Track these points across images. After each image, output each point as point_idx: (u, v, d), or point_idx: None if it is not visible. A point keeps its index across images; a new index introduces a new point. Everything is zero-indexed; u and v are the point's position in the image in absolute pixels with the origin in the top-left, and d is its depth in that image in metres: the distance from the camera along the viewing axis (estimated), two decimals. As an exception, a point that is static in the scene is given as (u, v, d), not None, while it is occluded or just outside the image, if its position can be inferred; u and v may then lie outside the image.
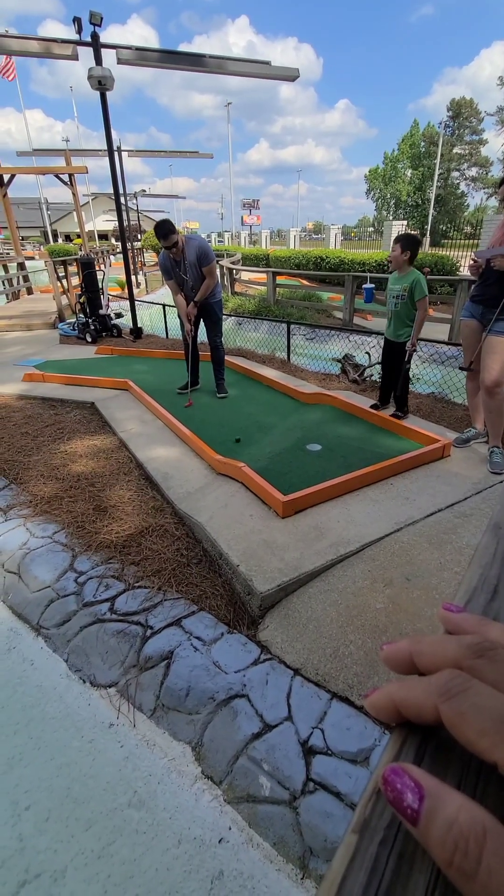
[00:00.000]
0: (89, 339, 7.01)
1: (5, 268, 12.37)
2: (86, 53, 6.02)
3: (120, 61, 6.19)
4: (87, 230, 19.80)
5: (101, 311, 7.35)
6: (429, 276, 4.90)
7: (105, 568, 2.29)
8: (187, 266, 3.83)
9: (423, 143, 37.15)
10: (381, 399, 3.88)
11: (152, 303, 9.25)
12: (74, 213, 16.38)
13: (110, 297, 8.37)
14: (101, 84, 5.92)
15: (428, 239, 22.94)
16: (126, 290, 7.59)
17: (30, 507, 2.81)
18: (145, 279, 16.84)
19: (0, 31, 6.47)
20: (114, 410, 4.09)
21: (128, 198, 19.82)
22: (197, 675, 1.72)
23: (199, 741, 1.57)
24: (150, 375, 5.14)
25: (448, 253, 14.36)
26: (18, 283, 12.30)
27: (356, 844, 0.18)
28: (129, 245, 8.62)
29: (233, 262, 15.23)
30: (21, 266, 12.60)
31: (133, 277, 7.75)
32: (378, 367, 4.44)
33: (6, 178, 12.75)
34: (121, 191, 7.64)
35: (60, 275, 9.27)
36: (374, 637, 1.74)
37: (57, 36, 6.45)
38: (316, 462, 2.98)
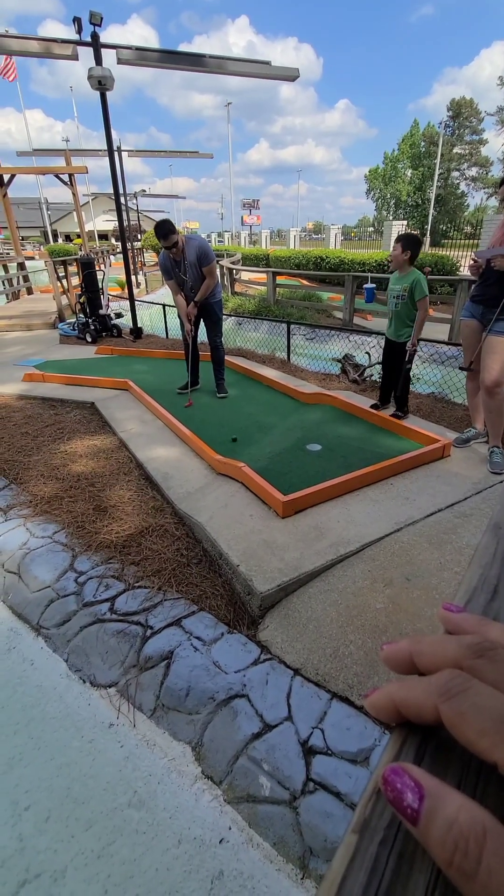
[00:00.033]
0: (89, 339, 7.01)
1: (5, 268, 12.37)
2: (86, 53, 6.02)
3: (120, 61, 6.19)
4: (87, 230, 19.81)
5: (101, 311, 7.35)
6: (429, 276, 4.90)
7: (105, 568, 2.29)
8: (187, 266, 3.83)
9: (423, 143, 37.16)
10: (381, 399, 3.88)
11: (152, 303, 9.25)
12: (74, 213, 16.39)
13: (110, 297, 8.37)
14: (101, 84, 5.92)
15: (428, 239, 22.92)
16: (126, 290, 7.59)
17: (30, 507, 2.81)
18: (145, 279, 16.84)
19: (0, 31, 6.47)
20: (114, 410, 4.09)
21: (128, 198, 19.83)
22: (197, 675, 1.72)
23: (199, 741, 1.57)
24: (150, 375, 5.14)
25: (448, 253, 14.36)
26: (18, 283, 12.30)
27: (356, 844, 0.18)
28: (129, 245, 8.62)
29: (233, 262, 15.23)
30: (21, 266, 12.60)
31: (133, 277, 7.75)
32: (378, 367, 4.44)
33: (6, 178, 12.75)
34: (121, 191, 7.64)
35: (60, 275, 9.27)
36: (374, 637, 1.74)
37: (57, 36, 6.45)
38: (316, 462, 2.98)
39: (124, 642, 1.90)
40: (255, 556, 2.13)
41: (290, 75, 7.25)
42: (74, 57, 6.06)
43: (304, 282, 14.63)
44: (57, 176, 14.48)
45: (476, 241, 14.52)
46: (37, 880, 1.28)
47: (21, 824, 1.41)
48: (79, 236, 19.15)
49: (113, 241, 31.16)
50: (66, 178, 14.33)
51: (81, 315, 7.35)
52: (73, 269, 9.76)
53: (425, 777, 0.18)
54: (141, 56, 6.32)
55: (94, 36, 5.81)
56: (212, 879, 1.26)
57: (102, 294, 7.58)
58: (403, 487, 2.66)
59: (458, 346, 3.73)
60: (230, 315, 8.40)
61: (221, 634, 1.90)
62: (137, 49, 6.30)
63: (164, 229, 3.62)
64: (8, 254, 16.86)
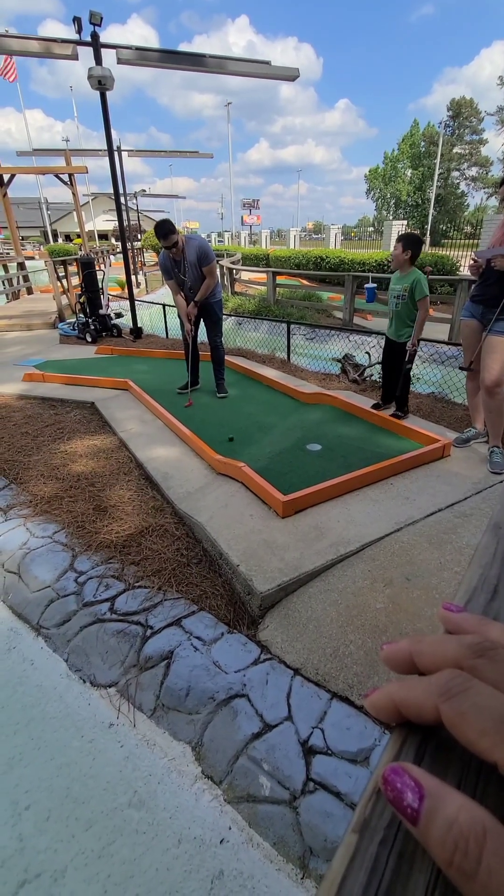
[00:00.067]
0: (89, 339, 7.01)
1: (5, 268, 12.37)
2: (86, 53, 6.02)
3: (120, 61, 6.19)
4: (87, 230, 19.81)
5: (101, 311, 7.35)
6: (429, 276, 4.90)
7: (105, 568, 2.29)
8: (187, 266, 3.83)
9: (423, 143, 37.16)
10: (383, 398, 3.88)
11: (152, 303, 9.25)
12: (74, 213, 16.38)
13: (110, 296, 8.37)
14: (101, 84, 5.92)
15: (428, 239, 22.92)
16: (126, 290, 7.59)
17: (30, 507, 2.81)
18: (145, 279, 16.84)
19: (0, 31, 6.47)
20: (114, 410, 4.09)
21: (128, 198, 19.83)
22: (197, 674, 1.72)
23: (199, 741, 1.57)
24: (150, 375, 5.14)
25: (448, 253, 14.35)
26: (18, 282, 12.30)
27: (356, 844, 0.18)
28: (129, 245, 8.61)
29: (233, 262, 15.23)
30: (21, 266, 12.60)
31: (133, 277, 7.75)
32: (378, 366, 4.44)
33: (6, 178, 12.75)
34: (121, 191, 7.64)
35: (60, 275, 9.27)
36: (374, 637, 1.74)
37: (57, 36, 6.45)
38: (316, 462, 2.98)
39: (124, 642, 1.90)
40: (255, 556, 2.13)
41: (290, 75, 7.25)
42: (74, 57, 6.06)
43: (304, 282, 14.63)
44: (57, 176, 14.48)
45: (476, 241, 14.52)
46: (37, 880, 1.28)
47: (21, 824, 1.41)
48: (79, 236, 19.15)
49: (113, 240, 31.16)
50: (66, 178, 14.34)
51: (81, 315, 7.35)
52: (73, 268, 9.75)
53: (425, 777, 0.18)
54: (141, 56, 6.32)
55: (94, 36, 5.81)
56: (212, 879, 1.26)
57: (102, 294, 7.58)
58: (403, 487, 2.66)
59: (458, 346, 3.73)
60: (230, 315, 8.40)
61: (221, 634, 1.90)
62: (137, 49, 6.30)
63: (164, 229, 3.62)
64: (8, 254, 16.86)
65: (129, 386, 4.53)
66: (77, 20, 5.75)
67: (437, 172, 32.56)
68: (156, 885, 1.25)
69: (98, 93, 6.05)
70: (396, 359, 3.60)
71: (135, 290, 7.70)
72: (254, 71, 7.07)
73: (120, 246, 10.74)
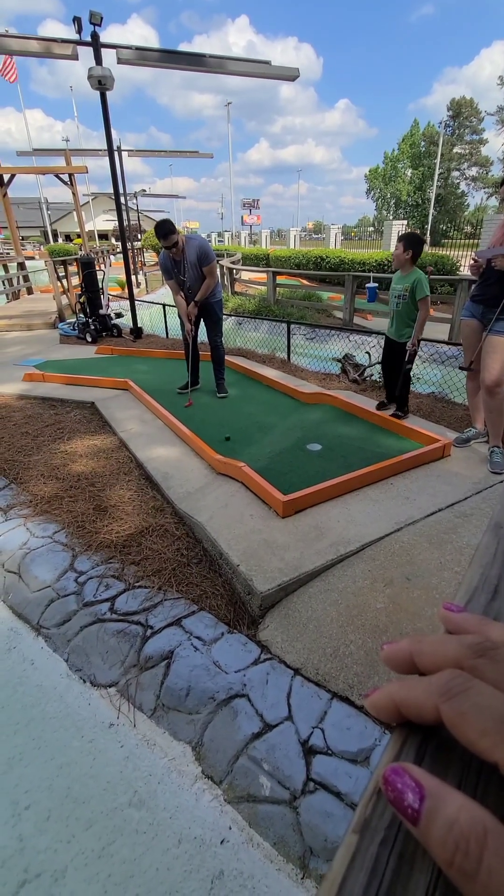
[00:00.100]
0: (89, 339, 7.01)
1: (5, 268, 12.37)
2: (86, 53, 6.02)
3: (120, 61, 6.19)
4: (87, 230, 19.81)
5: (102, 311, 7.35)
6: (430, 276, 4.89)
7: (105, 568, 2.29)
8: (187, 266, 3.83)
9: (423, 143, 37.16)
10: (388, 397, 3.87)
11: (152, 302, 9.25)
12: (74, 212, 16.39)
13: (110, 296, 8.37)
14: (101, 84, 5.92)
15: (428, 239, 22.91)
16: (126, 290, 7.59)
17: (30, 507, 2.81)
18: (145, 279, 16.84)
19: (0, 31, 6.47)
20: (114, 410, 4.10)
21: (128, 198, 19.82)
22: (197, 674, 1.72)
23: (199, 741, 1.57)
24: (150, 375, 5.14)
25: (448, 253, 14.35)
26: (18, 282, 12.30)
27: (357, 844, 0.18)
28: (129, 245, 8.61)
29: (233, 262, 15.23)
30: (21, 266, 12.60)
31: (133, 277, 7.75)
32: (378, 366, 4.44)
33: (6, 177, 12.75)
34: (121, 191, 7.64)
35: (60, 275, 9.27)
36: (374, 637, 1.74)
37: (57, 36, 6.45)
38: (316, 462, 2.98)
39: (124, 642, 1.90)
40: (256, 556, 2.13)
41: (290, 75, 7.25)
42: (74, 57, 6.06)
43: (304, 281, 14.63)
44: (57, 176, 14.48)
45: (476, 241, 14.52)
46: (37, 880, 1.28)
47: (21, 824, 1.41)
48: (79, 236, 19.16)
49: (113, 240, 31.15)
50: (66, 177, 14.34)
51: (81, 315, 7.35)
52: (73, 268, 9.75)
53: (426, 777, 0.18)
54: (141, 56, 6.32)
55: (94, 36, 5.81)
56: (212, 879, 1.26)
57: (102, 294, 7.58)
58: (404, 487, 2.66)
59: (459, 346, 3.73)
60: (230, 315, 8.39)
61: (221, 634, 1.90)
62: (137, 49, 6.29)
63: (165, 229, 3.62)
64: (8, 254, 16.86)
65: (129, 386, 4.53)
66: (77, 20, 5.75)
67: (437, 172, 32.56)
68: (156, 885, 1.25)
69: (98, 93, 6.05)
70: (396, 358, 3.60)
71: (135, 290, 7.70)
72: (254, 71, 7.07)
73: (120, 246, 10.74)
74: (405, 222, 18.51)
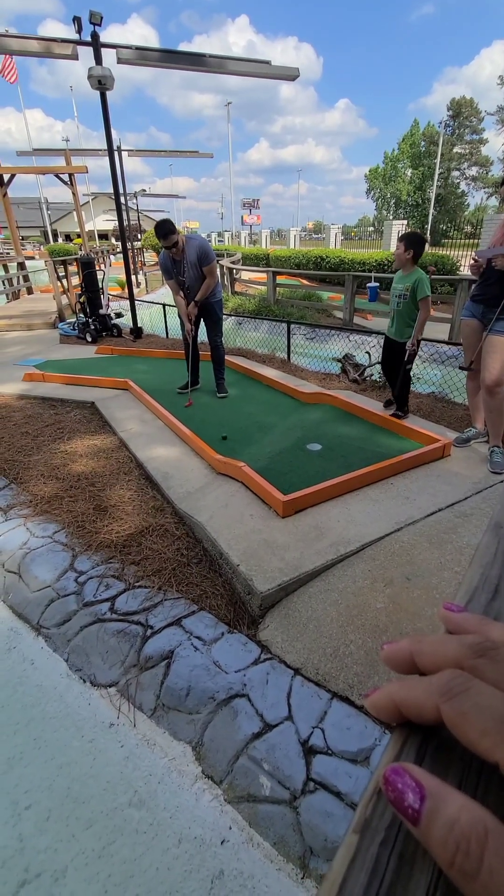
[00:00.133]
0: (89, 339, 7.01)
1: (5, 267, 12.37)
2: (86, 53, 6.02)
3: (120, 61, 6.19)
4: (87, 230, 19.81)
5: (102, 311, 7.35)
6: (431, 276, 4.89)
7: (105, 567, 2.29)
8: (187, 266, 3.83)
9: (423, 143, 37.17)
10: (393, 396, 3.86)
11: (152, 302, 9.25)
12: (74, 212, 16.38)
13: (110, 296, 8.37)
14: (101, 84, 5.92)
15: (428, 238, 22.92)
16: (126, 290, 7.59)
17: (30, 507, 2.81)
18: (145, 279, 16.84)
19: (0, 31, 6.47)
20: (114, 410, 4.10)
21: (128, 197, 19.83)
22: (197, 674, 1.72)
23: (199, 741, 1.57)
24: (150, 375, 5.14)
25: (448, 252, 14.36)
26: (18, 282, 12.30)
27: (357, 845, 0.18)
28: (129, 245, 8.61)
29: (233, 262, 15.23)
30: (21, 266, 12.60)
31: (133, 277, 7.75)
32: (378, 366, 4.43)
33: (6, 177, 12.75)
34: (121, 190, 7.63)
35: (60, 274, 9.27)
36: (374, 637, 1.74)
37: (57, 35, 6.44)
38: (316, 462, 2.98)
39: (124, 642, 1.90)
40: (256, 556, 2.13)
41: (290, 75, 7.25)
42: (74, 56, 6.06)
43: (305, 281, 14.63)
44: (57, 176, 14.48)
45: (476, 241, 14.53)
46: (37, 880, 1.28)
47: (21, 824, 1.41)
48: (79, 236, 19.16)
49: (113, 240, 31.16)
50: (66, 177, 14.34)
51: (81, 315, 7.35)
52: (73, 268, 9.75)
53: (426, 777, 0.18)
54: (141, 55, 6.32)
55: (94, 35, 5.80)
56: (212, 879, 1.26)
57: (102, 294, 7.58)
58: (404, 487, 2.66)
59: (459, 346, 3.72)
60: (230, 315, 8.39)
61: (222, 634, 1.90)
62: (137, 48, 6.29)
63: (165, 229, 3.62)
64: (8, 253, 16.86)
65: (129, 386, 4.53)
66: (77, 20, 5.75)
67: (437, 172, 32.56)
68: (156, 885, 1.25)
69: (98, 92, 6.05)
70: (396, 358, 3.60)
71: (135, 290, 7.70)
72: (254, 71, 7.07)
73: (120, 246, 10.74)
74: (405, 222, 18.53)
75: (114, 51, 6.09)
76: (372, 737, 1.48)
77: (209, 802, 1.42)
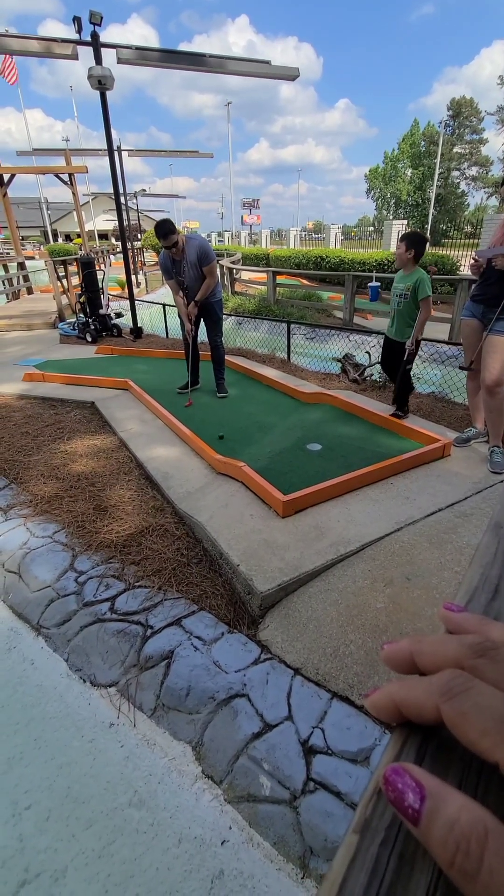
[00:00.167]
0: (89, 339, 7.01)
1: (5, 267, 12.37)
2: (86, 53, 6.02)
3: (120, 61, 6.19)
4: (87, 230, 19.81)
5: (102, 311, 7.35)
6: (433, 276, 4.89)
7: (105, 567, 2.29)
8: (187, 266, 3.83)
9: (423, 143, 37.18)
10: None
11: (152, 302, 9.25)
12: (74, 212, 16.38)
13: (110, 296, 8.36)
14: (101, 84, 5.92)
15: (428, 238, 22.92)
16: (126, 290, 7.59)
17: (30, 507, 2.81)
18: (145, 279, 16.84)
19: (0, 31, 6.47)
20: (114, 410, 4.10)
21: (128, 197, 19.82)
22: (197, 674, 1.72)
23: (199, 741, 1.57)
24: (150, 375, 5.14)
25: (448, 252, 14.36)
26: (18, 282, 12.30)
27: (357, 845, 0.18)
28: (129, 245, 8.61)
29: (233, 262, 15.22)
30: (21, 266, 12.60)
31: (133, 277, 7.75)
32: (378, 366, 4.43)
33: (6, 177, 12.74)
34: (121, 190, 7.63)
35: (60, 274, 9.27)
36: (374, 636, 1.74)
37: (57, 35, 6.44)
38: (316, 462, 2.98)
39: (124, 642, 1.90)
40: (256, 556, 2.13)
41: (290, 75, 7.25)
42: (74, 56, 6.06)
43: (305, 281, 14.63)
44: (57, 175, 14.48)
45: (476, 241, 14.52)
46: (37, 880, 1.28)
47: (21, 824, 1.41)
48: (79, 236, 19.15)
49: (113, 240, 31.14)
50: (66, 177, 14.33)
51: (81, 315, 7.35)
52: (73, 268, 9.75)
53: (426, 777, 0.18)
54: (141, 55, 6.32)
55: (94, 35, 5.80)
56: (212, 879, 1.26)
57: (102, 294, 7.58)
58: (404, 487, 2.66)
59: (459, 346, 3.72)
60: (230, 315, 8.39)
61: (222, 634, 1.90)
62: (137, 48, 6.29)
63: (165, 229, 3.62)
64: (8, 253, 16.86)
65: (129, 386, 4.53)
66: (77, 20, 5.75)
67: (437, 172, 32.56)
68: (156, 885, 1.25)
69: (98, 92, 6.05)
70: (396, 358, 3.60)
71: (135, 290, 7.70)
72: (254, 70, 7.07)
73: (120, 245, 10.74)
74: (405, 222, 18.53)
75: (114, 51, 6.09)
76: (372, 737, 1.48)
77: (209, 802, 1.42)
